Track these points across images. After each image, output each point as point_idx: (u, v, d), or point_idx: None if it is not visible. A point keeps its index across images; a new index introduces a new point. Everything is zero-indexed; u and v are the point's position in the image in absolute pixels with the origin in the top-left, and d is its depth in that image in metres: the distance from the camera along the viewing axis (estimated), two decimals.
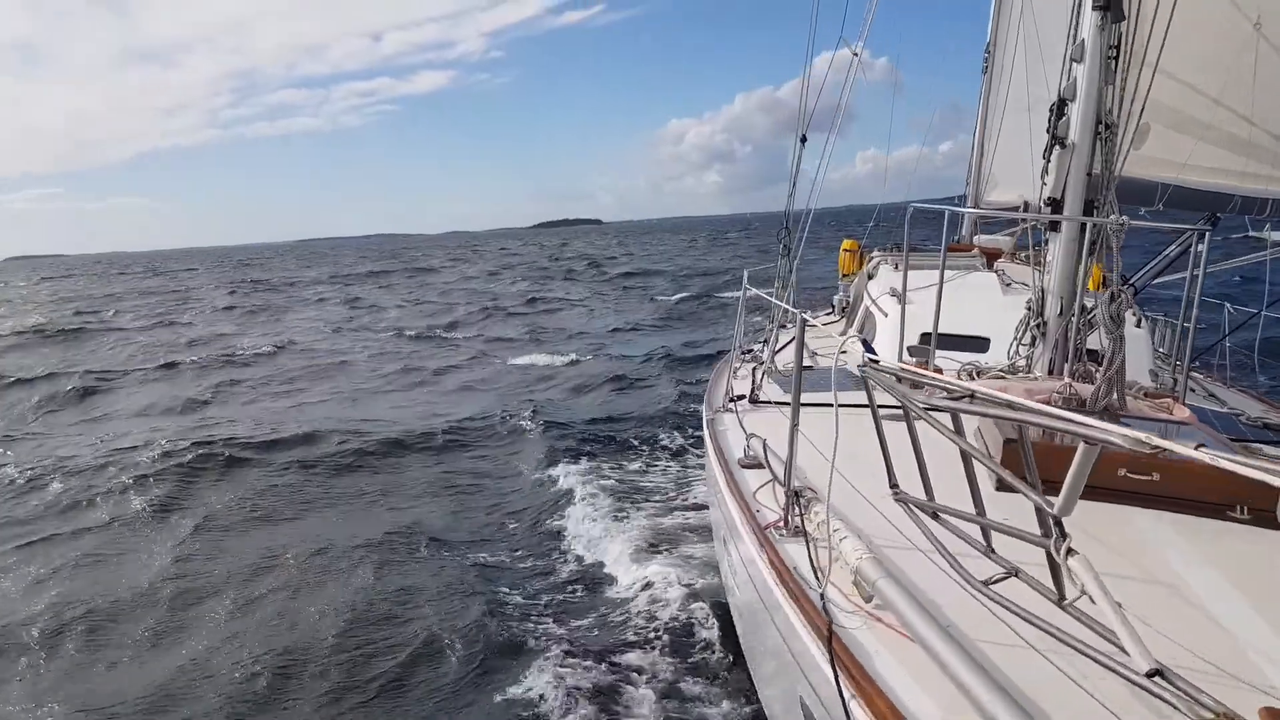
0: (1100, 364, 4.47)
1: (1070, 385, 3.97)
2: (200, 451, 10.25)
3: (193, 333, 26.34)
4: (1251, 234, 6.72)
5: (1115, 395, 3.95)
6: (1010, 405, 1.85)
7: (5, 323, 31.70)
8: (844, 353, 6.46)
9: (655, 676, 5.07)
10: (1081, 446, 1.61)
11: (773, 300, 5.97)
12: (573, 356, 18.21)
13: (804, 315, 3.28)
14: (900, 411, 2.38)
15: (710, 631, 5.47)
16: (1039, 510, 1.83)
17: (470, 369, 17.60)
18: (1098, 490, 3.01)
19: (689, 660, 5.23)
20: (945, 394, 2.07)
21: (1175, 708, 1.52)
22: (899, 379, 2.27)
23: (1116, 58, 3.99)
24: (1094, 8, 4.02)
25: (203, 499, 8.84)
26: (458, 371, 17.31)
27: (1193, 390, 5.46)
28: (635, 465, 9.64)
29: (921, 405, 2.11)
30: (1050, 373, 4.49)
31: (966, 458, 2.15)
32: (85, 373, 17.75)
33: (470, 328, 25.30)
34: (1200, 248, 4.48)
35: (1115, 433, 1.52)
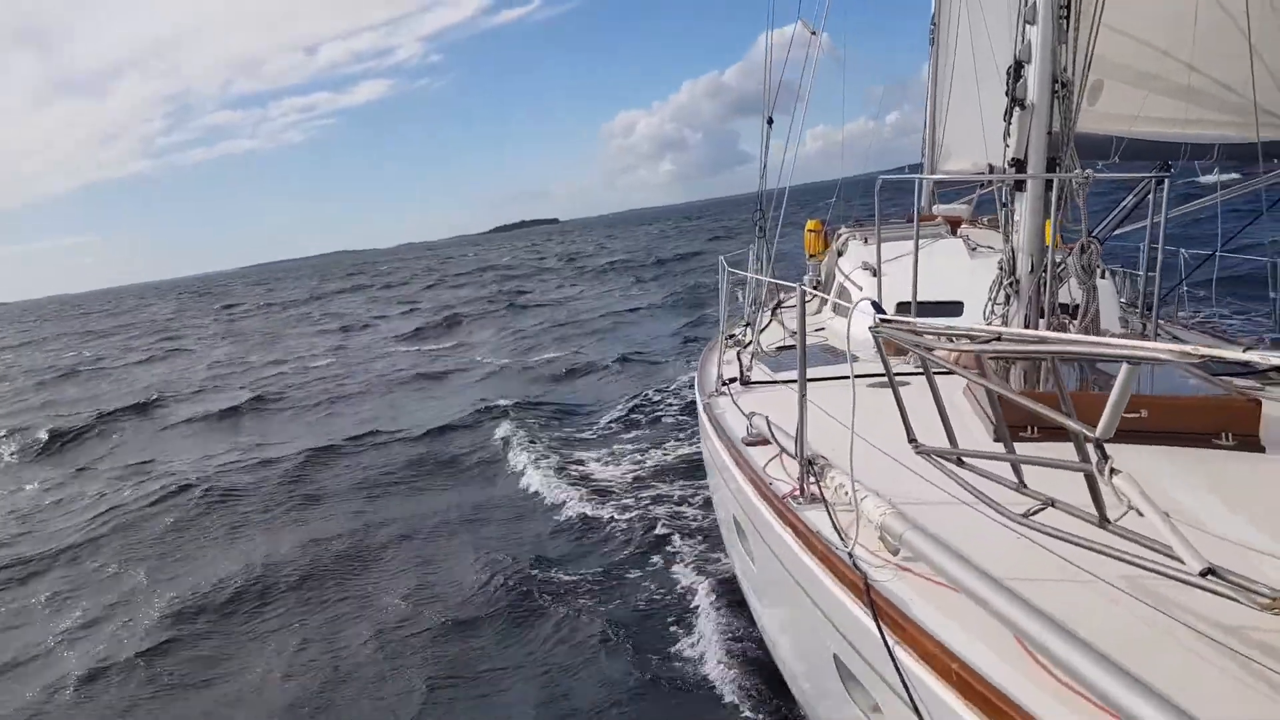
0: (1074, 316, 4.61)
1: None
2: (287, 457, 11.47)
3: (203, 360, 26.09)
4: (1197, 179, 6.94)
5: None
6: (1042, 340, 1.89)
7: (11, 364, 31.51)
8: (820, 330, 6.56)
9: (669, 652, 5.23)
10: (1124, 367, 1.65)
11: (757, 279, 6.01)
12: (579, 345, 19.11)
13: (803, 286, 3.32)
14: (900, 374, 2.43)
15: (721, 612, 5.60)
16: (1075, 437, 1.89)
17: (487, 363, 18.36)
18: None
19: (702, 628, 5.41)
20: (969, 340, 2.12)
21: (1234, 600, 1.61)
22: (916, 333, 2.32)
23: (1068, 17, 4.11)
24: None
25: (314, 490, 10.10)
26: (476, 368, 18.03)
27: (1159, 335, 5.65)
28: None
29: (938, 357, 2.16)
30: (1026, 328, 4.61)
31: (994, 399, 2.20)
32: (140, 401, 18.08)
33: (474, 329, 25.78)
34: (1160, 195, 4.63)
35: (1161, 349, 1.56)
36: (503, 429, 11.69)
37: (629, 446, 10.30)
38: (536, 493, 8.92)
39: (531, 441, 10.81)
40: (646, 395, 12.78)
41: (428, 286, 48.89)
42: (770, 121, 7.08)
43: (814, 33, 6.40)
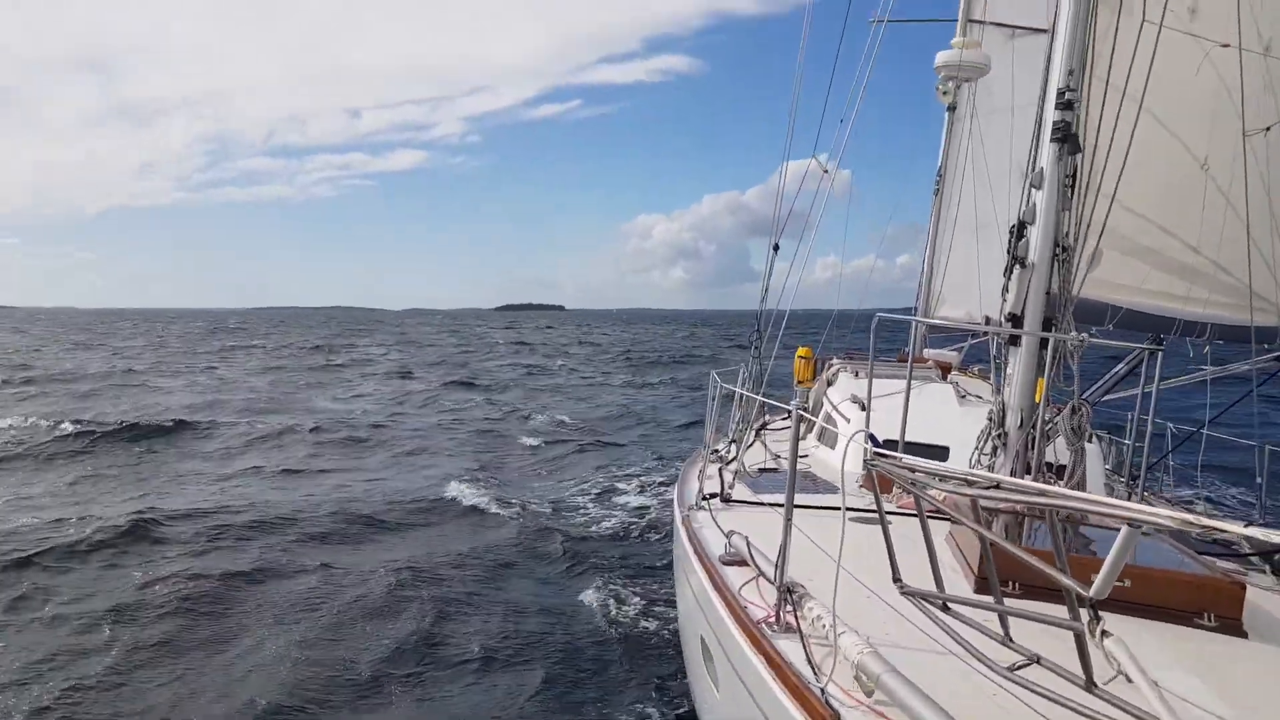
0: (1059, 475, 4.54)
1: None
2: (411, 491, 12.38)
3: (250, 393, 25.62)
4: (1190, 368, 7.05)
5: None
6: (1042, 493, 1.85)
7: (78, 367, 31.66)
8: (804, 456, 6.46)
9: None
10: (1125, 529, 1.61)
11: (747, 396, 5.97)
12: (608, 414, 21.05)
13: (798, 409, 3.25)
14: (870, 512, 2.36)
15: None
16: (1068, 595, 1.84)
17: (529, 420, 19.83)
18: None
19: None
20: (968, 484, 2.08)
21: None
22: (911, 470, 2.26)
23: (1073, 186, 4.24)
24: (1052, 140, 4.29)
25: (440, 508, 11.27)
26: (520, 421, 19.62)
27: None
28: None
29: (930, 501, 2.11)
30: None
31: (985, 546, 2.17)
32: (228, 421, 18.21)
33: (508, 390, 26.52)
34: (1152, 366, 4.65)
35: (1162, 515, 1.53)
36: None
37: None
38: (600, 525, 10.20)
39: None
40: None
41: (451, 346, 51.73)
42: (776, 248, 7.26)
43: (825, 171, 6.65)
